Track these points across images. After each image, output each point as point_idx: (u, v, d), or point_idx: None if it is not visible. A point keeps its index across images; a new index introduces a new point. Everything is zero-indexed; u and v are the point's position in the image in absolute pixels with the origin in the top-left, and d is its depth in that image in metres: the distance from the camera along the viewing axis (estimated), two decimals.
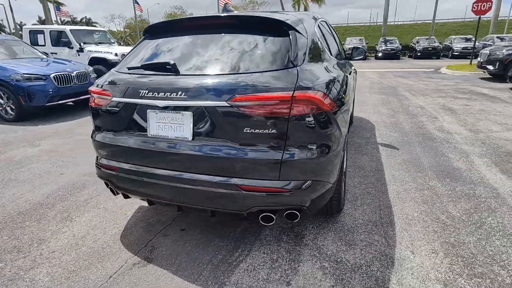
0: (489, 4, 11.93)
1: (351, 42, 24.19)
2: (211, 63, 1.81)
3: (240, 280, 1.78)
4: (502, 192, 2.70)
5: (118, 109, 1.88)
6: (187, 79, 1.71)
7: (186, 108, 1.69)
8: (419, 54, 21.78)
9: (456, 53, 20.91)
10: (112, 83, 1.93)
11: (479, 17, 12.49)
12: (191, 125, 1.70)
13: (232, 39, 1.88)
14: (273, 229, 2.26)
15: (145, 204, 2.56)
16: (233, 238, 2.16)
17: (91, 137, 2.14)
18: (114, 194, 2.15)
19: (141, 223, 2.38)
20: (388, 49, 22.18)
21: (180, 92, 1.66)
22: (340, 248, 2.03)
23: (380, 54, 22.40)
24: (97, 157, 2.16)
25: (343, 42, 26.27)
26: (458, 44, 21.25)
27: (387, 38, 24.11)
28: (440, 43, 22.87)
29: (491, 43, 15.74)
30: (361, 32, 38.02)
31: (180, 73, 1.77)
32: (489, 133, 4.36)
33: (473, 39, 16.24)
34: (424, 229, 2.20)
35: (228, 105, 1.58)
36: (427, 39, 23.29)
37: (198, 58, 1.85)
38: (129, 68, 1.97)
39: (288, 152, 1.61)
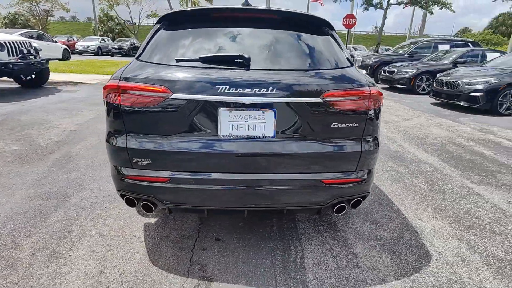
0: (353, 20, 14.75)
1: None
2: (276, 58, 1.73)
3: (317, 275, 1.79)
4: (437, 166, 3.54)
5: (176, 108, 1.58)
6: (271, 74, 1.60)
7: (269, 105, 1.58)
8: None
9: None
10: (165, 77, 1.60)
11: (348, 30, 15.34)
12: (274, 122, 1.60)
13: (283, 35, 1.85)
14: (305, 222, 2.33)
15: (148, 220, 2.24)
16: (276, 238, 2.13)
17: (111, 143, 1.71)
18: (150, 211, 1.79)
19: (164, 242, 2.04)
20: None
21: (267, 88, 1.55)
22: (372, 227, 2.29)
23: None
24: (118, 168, 1.74)
25: None
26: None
27: None
28: None
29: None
30: None
31: (251, 68, 1.63)
32: (395, 123, 5.54)
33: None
34: (413, 201, 2.71)
35: (321, 100, 1.58)
36: None
37: (258, 52, 1.74)
38: (178, 61, 1.67)
39: (364, 143, 1.74)
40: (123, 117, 1.65)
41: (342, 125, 1.66)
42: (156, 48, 1.78)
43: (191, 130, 1.62)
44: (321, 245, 2.07)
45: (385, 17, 15.94)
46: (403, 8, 19.57)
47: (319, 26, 1.93)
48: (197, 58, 1.65)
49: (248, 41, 1.81)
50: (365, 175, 1.79)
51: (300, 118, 1.62)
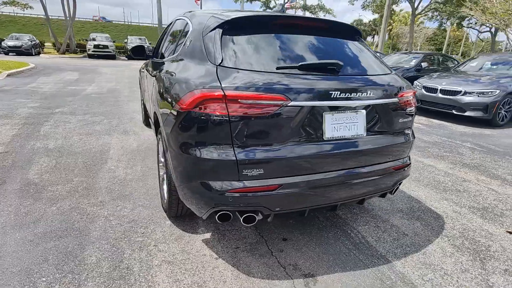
0: None
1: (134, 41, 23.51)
2: (349, 64, 1.91)
3: (385, 248, 2.10)
4: None
5: (290, 115, 1.58)
6: (359, 80, 1.78)
7: (363, 107, 1.77)
8: None
9: None
10: (281, 85, 1.58)
11: None
12: (365, 122, 1.80)
13: (341, 43, 2.04)
14: (340, 209, 2.60)
15: (202, 236, 2.16)
16: (331, 226, 2.33)
17: (209, 157, 1.58)
18: (251, 223, 1.73)
19: (240, 254, 1.97)
20: None
21: (362, 92, 1.72)
22: (388, 203, 2.74)
23: None
24: (215, 184, 1.62)
25: (125, 41, 25.08)
26: None
27: None
28: None
29: None
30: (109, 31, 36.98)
31: (339, 74, 1.77)
32: None
33: None
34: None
35: (397, 100, 1.86)
36: None
37: (334, 58, 1.88)
38: (278, 68, 1.65)
39: (411, 134, 2.12)
40: (230, 128, 1.55)
41: (403, 120, 1.99)
42: (239, 54, 1.72)
43: (301, 135, 1.66)
44: (368, 224, 2.39)
45: None
46: (302, 11, 21.99)
47: (359, 35, 2.20)
48: (298, 65, 1.69)
49: (317, 48, 1.93)
50: (410, 160, 2.19)
51: (380, 116, 1.88)
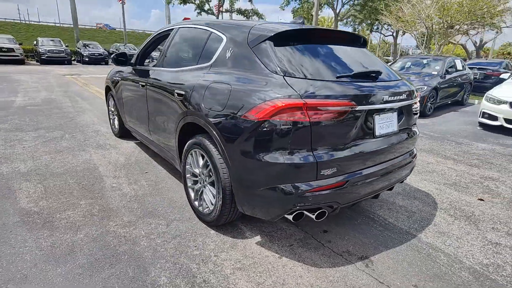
0: None
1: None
2: (378, 71, 2.20)
3: (419, 227, 2.49)
4: None
5: (354, 118, 1.79)
6: (392, 85, 2.08)
7: (398, 108, 2.09)
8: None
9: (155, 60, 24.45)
10: (349, 92, 1.79)
11: None
12: (396, 120, 2.12)
13: (359, 51, 2.34)
14: None
15: (252, 238, 2.28)
16: (361, 216, 2.62)
17: (288, 162, 1.70)
18: (321, 218, 1.89)
19: (298, 250, 2.12)
20: (96, 54, 21.48)
21: (400, 95, 2.04)
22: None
23: (87, 59, 21.22)
24: (290, 186, 1.75)
25: (35, 43, 21.67)
26: (154, 52, 24.90)
27: (86, 42, 23.09)
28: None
29: None
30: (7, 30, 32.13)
31: (377, 80, 2.05)
32: None
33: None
34: None
35: (414, 101, 2.24)
36: (124, 45, 25.10)
37: (353, 66, 2.14)
38: (339, 77, 1.84)
39: (417, 130, 2.54)
40: (310, 133, 1.70)
41: (414, 117, 2.39)
42: (296, 64, 1.86)
43: (360, 135, 1.90)
44: (382, 208, 2.76)
45: None
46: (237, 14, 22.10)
47: (366, 43, 2.54)
48: (352, 74, 1.91)
49: (349, 56, 2.18)
50: (416, 151, 2.62)
51: (404, 115, 2.23)
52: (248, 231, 2.31)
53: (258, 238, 2.24)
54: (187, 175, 2.51)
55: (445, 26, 11.46)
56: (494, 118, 5.74)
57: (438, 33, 12.03)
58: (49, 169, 3.25)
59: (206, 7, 17.34)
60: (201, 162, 2.30)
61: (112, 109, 4.52)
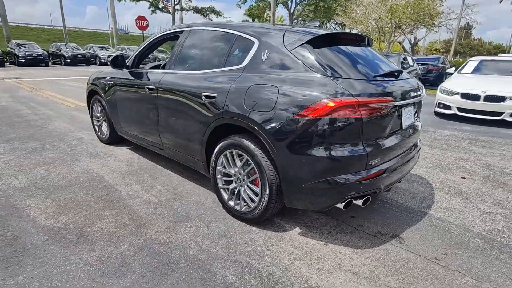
0: (146, 23, 14.77)
1: None
2: (400, 70, 2.45)
3: (433, 205, 2.82)
4: None
5: (391, 112, 2.01)
6: (410, 81, 2.35)
7: (417, 102, 2.37)
8: (68, 61, 21.31)
9: (103, 61, 22.93)
10: (388, 89, 2.00)
11: (142, 32, 15.12)
12: (413, 113, 2.41)
13: (371, 51, 2.58)
14: None
15: (293, 230, 2.46)
16: (376, 200, 2.89)
17: (345, 155, 1.87)
18: (366, 204, 2.10)
19: (336, 235, 2.30)
20: (33, 55, 19.40)
21: (417, 91, 2.31)
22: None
23: (23, 61, 19.07)
24: (342, 178, 1.92)
25: None
26: (102, 52, 23.32)
27: (20, 42, 20.74)
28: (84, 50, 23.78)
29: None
30: None
31: (398, 78, 2.31)
32: None
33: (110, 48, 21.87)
34: None
35: (424, 96, 2.55)
36: (66, 45, 23.20)
37: (379, 65, 2.38)
38: (375, 76, 2.03)
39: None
40: (361, 128, 1.88)
41: (421, 110, 2.72)
42: (336, 65, 2.02)
43: (393, 127, 2.13)
44: (391, 192, 3.06)
45: (174, 21, 16.91)
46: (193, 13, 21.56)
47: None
48: (383, 73, 2.13)
49: (372, 56, 2.41)
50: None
51: (417, 108, 2.53)
52: (287, 224, 2.43)
53: (298, 229, 2.38)
54: (218, 176, 2.55)
55: (394, 26, 12.73)
56: (448, 107, 6.56)
57: (388, 32, 13.30)
58: (49, 182, 3.01)
59: (161, 5, 16.72)
60: (238, 162, 2.36)
61: (98, 115, 4.27)
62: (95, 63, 23.29)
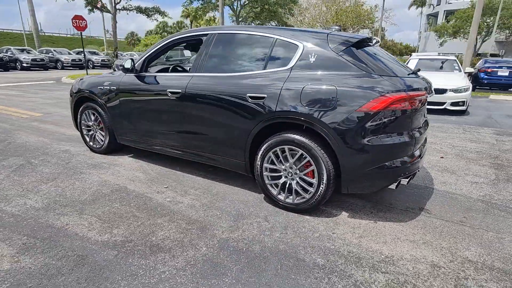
0: (84, 22, 13.56)
1: None
2: (419, 68, 2.85)
3: (440, 183, 3.32)
4: None
5: (424, 104, 2.39)
6: (424, 78, 2.77)
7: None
8: (26, 65, 20.20)
9: (25, 65, 20.42)
10: (419, 85, 2.34)
11: (81, 33, 13.79)
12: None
13: (384, 51, 2.97)
14: None
15: (341, 215, 2.76)
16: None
17: (400, 141, 2.21)
18: (408, 182, 2.43)
19: (379, 213, 2.63)
20: None
21: (430, 86, 2.76)
22: None
23: None
24: (400, 161, 2.26)
25: None
26: (23, 55, 20.68)
27: None
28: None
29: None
30: None
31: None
32: None
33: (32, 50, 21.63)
34: None
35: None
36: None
37: (398, 62, 2.77)
38: (409, 74, 2.38)
39: None
40: (411, 118, 2.23)
41: None
42: (378, 65, 2.33)
43: (422, 118, 2.53)
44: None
45: (115, 21, 15.67)
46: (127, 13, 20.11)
47: None
48: (412, 71, 2.50)
49: (389, 55, 2.78)
50: None
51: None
52: (333, 210, 2.68)
53: (345, 213, 2.65)
54: (265, 173, 2.67)
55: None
56: None
57: None
58: (71, 198, 2.76)
59: (99, 4, 15.31)
60: (290, 158, 2.53)
61: (91, 124, 3.96)
62: (15, 68, 20.52)
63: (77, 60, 22.60)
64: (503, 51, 29.18)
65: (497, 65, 11.78)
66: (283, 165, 2.59)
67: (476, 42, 28.43)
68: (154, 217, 2.50)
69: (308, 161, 2.44)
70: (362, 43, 2.48)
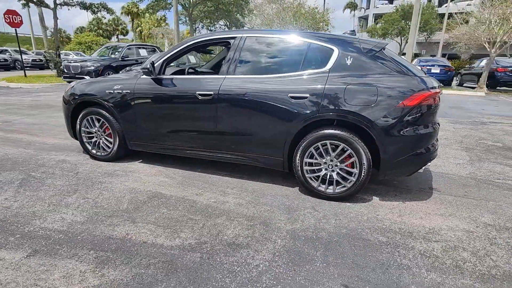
0: (19, 18, 12.05)
1: None
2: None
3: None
4: None
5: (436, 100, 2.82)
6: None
7: None
8: None
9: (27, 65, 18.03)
10: (434, 84, 2.72)
11: (16, 30, 12.15)
12: None
13: None
14: None
15: (372, 200, 3.12)
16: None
17: (431, 130, 2.62)
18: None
19: (404, 195, 3.03)
20: None
21: None
22: None
23: None
24: (428, 148, 2.66)
25: None
26: (25, 56, 18.06)
27: None
28: None
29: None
30: None
31: None
32: None
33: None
34: None
35: None
36: None
37: (411, 65, 3.18)
38: (426, 73, 2.78)
39: None
40: (433, 112, 2.65)
41: None
42: (405, 66, 2.71)
43: None
44: None
45: (56, 17, 13.98)
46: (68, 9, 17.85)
47: None
48: (425, 72, 2.92)
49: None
50: None
51: None
52: (364, 196, 3.00)
53: (375, 198, 2.99)
54: (305, 168, 2.88)
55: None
56: None
57: None
58: (111, 208, 2.63)
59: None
60: (331, 152, 2.77)
61: (94, 130, 3.71)
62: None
63: (37, 60, 20.33)
64: (424, 51, 33.35)
65: (429, 64, 13.61)
66: (324, 158, 2.83)
67: (401, 43, 32.09)
68: (210, 218, 2.54)
69: (350, 153, 2.72)
70: (385, 47, 2.83)
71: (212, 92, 3.01)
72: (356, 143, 2.65)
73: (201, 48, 3.46)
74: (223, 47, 3.93)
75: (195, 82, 3.16)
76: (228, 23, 24.63)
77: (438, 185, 3.32)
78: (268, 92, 2.84)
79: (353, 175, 2.76)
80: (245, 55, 3.05)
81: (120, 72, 10.55)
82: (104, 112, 3.55)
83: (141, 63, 11.94)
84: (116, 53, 11.97)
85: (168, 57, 3.32)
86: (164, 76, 3.28)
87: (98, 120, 3.65)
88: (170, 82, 3.24)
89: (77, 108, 3.72)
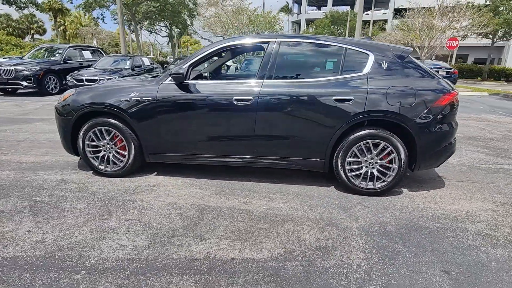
0: None
1: None
2: None
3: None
4: None
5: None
6: None
7: None
8: None
9: None
10: (449, 85, 3.09)
11: None
12: None
13: None
14: None
15: (398, 194, 3.44)
16: None
17: (452, 127, 2.97)
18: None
19: (413, 183, 3.37)
20: None
21: None
22: None
23: None
24: (447, 145, 3.03)
25: None
26: None
27: None
28: None
29: None
30: None
31: None
32: None
33: None
34: None
35: None
36: None
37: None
38: (441, 75, 3.13)
39: None
40: (455, 110, 3.01)
41: None
42: (428, 70, 3.03)
43: None
44: None
45: None
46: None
47: None
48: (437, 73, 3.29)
49: None
50: None
51: None
52: (394, 189, 3.26)
53: (404, 189, 3.26)
54: (347, 167, 3.02)
55: (254, 33, 14.89)
56: None
57: None
58: (167, 228, 2.40)
59: None
60: (373, 150, 2.95)
61: (102, 144, 3.30)
62: None
63: None
64: None
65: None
66: (365, 156, 3.00)
67: None
68: (278, 225, 2.50)
69: (390, 150, 2.93)
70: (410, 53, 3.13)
71: (251, 97, 2.94)
72: (396, 141, 2.88)
73: (231, 52, 3.34)
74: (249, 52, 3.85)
75: (230, 87, 3.05)
76: (168, 24, 23.71)
77: (443, 173, 3.77)
78: (311, 96, 2.90)
79: (391, 170, 2.99)
80: (281, 59, 3.06)
81: (68, 76, 9.43)
82: (117, 123, 3.18)
83: (88, 66, 10.81)
84: (57, 54, 10.56)
85: (193, 62, 3.13)
86: (197, 82, 3.09)
87: (108, 132, 3.25)
88: (202, 87, 3.06)
89: (78, 120, 3.27)
